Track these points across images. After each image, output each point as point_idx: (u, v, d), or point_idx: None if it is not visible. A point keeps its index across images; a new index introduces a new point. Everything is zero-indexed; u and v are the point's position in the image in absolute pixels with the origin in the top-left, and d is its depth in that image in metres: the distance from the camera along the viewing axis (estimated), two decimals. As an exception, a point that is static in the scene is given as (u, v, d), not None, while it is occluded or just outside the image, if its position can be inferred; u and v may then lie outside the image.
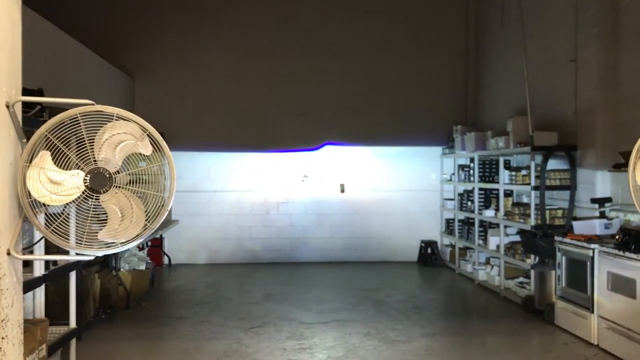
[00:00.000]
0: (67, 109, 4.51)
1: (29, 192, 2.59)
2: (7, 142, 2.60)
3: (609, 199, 6.79)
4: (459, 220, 10.19)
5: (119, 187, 2.71)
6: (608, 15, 6.90)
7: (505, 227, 8.39)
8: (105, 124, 2.70)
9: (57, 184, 2.64)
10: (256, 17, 10.73)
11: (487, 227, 9.15)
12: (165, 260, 10.53)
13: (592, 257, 6.01)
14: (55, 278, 4.32)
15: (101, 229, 2.71)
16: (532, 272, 7.32)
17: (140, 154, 2.75)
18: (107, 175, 2.67)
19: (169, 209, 2.77)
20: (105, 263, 7.18)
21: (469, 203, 9.66)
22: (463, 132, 9.84)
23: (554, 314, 6.71)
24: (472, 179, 9.48)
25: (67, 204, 2.67)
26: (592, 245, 6.04)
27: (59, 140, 2.64)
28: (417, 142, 10.96)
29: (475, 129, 9.81)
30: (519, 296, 7.75)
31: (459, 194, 10.24)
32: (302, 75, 10.73)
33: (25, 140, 2.72)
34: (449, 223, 10.79)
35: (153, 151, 2.75)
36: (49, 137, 2.63)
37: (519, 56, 8.53)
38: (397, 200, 11.05)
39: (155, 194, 2.74)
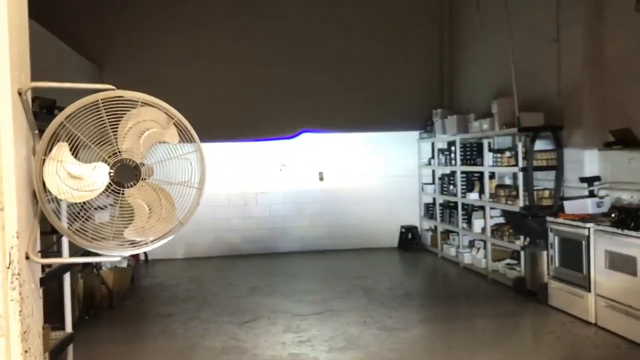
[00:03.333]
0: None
1: (49, 190, 2.32)
2: (20, 133, 2.31)
3: (597, 178, 6.83)
4: (440, 204, 10.15)
5: (145, 179, 2.46)
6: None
7: (490, 209, 8.39)
8: (125, 111, 2.44)
9: (77, 179, 2.37)
10: (228, 4, 10.38)
11: (469, 210, 9.14)
12: (142, 256, 10.16)
13: (588, 237, 6.03)
14: (51, 281, 4.01)
15: (126, 227, 2.47)
16: (523, 253, 7.33)
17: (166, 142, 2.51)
18: (134, 167, 2.42)
19: (200, 201, 2.54)
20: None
21: (451, 187, 9.63)
22: (443, 116, 9.79)
23: (547, 294, 6.73)
24: (453, 162, 9.43)
25: (89, 200, 2.41)
26: (588, 225, 6.05)
27: (78, 130, 2.37)
28: (394, 127, 10.86)
29: (453, 113, 9.76)
30: (507, 278, 7.76)
31: (439, 178, 10.20)
32: (277, 62, 10.44)
33: (37, 131, 2.44)
34: (428, 207, 10.76)
35: (180, 140, 2.52)
36: (66, 127, 2.36)
37: (495, 38, 8.50)
38: (376, 187, 10.95)
39: (185, 186, 2.51)
